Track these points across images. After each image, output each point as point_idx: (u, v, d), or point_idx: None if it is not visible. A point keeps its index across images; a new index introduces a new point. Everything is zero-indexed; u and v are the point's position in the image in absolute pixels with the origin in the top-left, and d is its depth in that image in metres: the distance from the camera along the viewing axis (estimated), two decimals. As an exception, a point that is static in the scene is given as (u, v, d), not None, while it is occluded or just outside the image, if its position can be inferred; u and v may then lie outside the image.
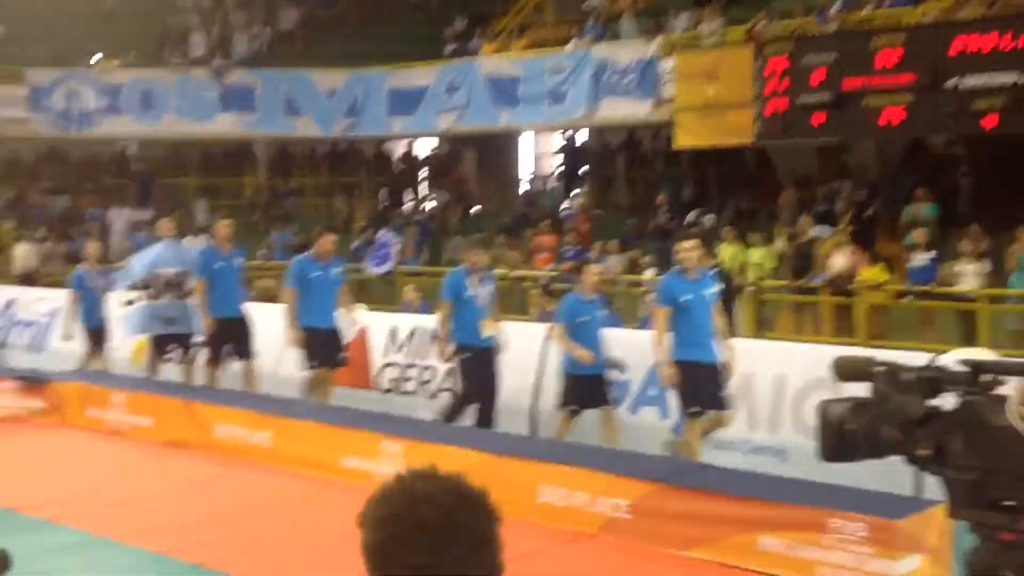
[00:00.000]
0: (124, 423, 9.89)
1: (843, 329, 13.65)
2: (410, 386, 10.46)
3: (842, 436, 2.34)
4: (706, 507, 6.52)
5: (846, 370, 2.43)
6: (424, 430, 8.48)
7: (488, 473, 7.38)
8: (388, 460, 8.01)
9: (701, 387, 8.05)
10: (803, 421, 8.20)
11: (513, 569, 6.17)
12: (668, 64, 17.23)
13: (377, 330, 10.89)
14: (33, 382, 10.65)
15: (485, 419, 9.01)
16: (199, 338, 10.85)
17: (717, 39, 17.07)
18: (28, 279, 17.91)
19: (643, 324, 11.00)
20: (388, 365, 10.68)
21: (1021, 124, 13.26)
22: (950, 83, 13.64)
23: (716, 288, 8.36)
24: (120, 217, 21.53)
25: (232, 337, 10.58)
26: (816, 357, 8.51)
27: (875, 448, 2.33)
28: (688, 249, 8.25)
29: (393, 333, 10.87)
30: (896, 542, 5.76)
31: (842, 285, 13.86)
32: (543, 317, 11.52)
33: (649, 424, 8.89)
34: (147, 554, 6.69)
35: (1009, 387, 2.23)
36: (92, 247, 12.41)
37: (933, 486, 6.27)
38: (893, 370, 2.33)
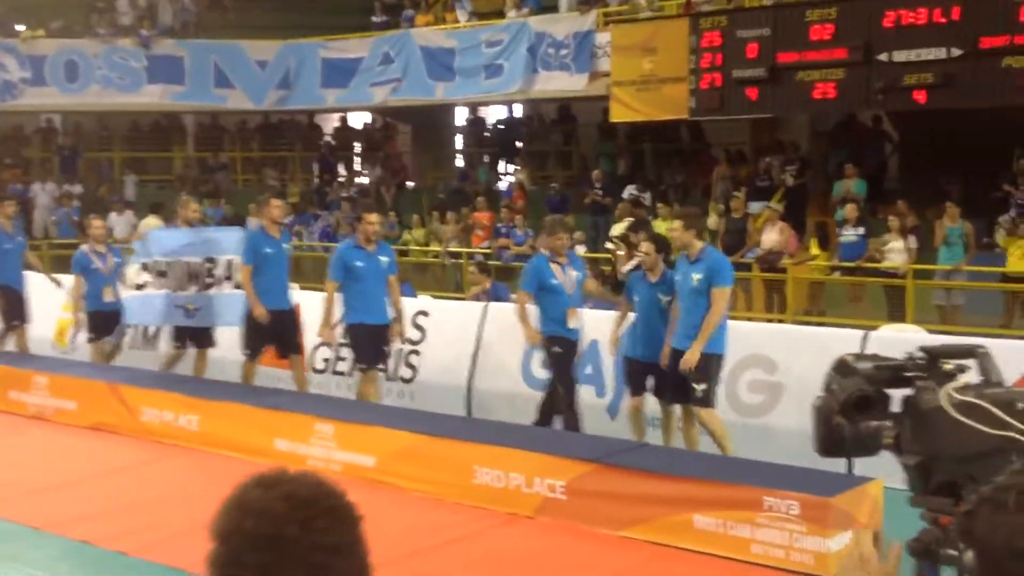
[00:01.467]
0: (47, 407, 9.63)
1: (774, 305, 13.76)
2: (343, 366, 10.30)
3: (831, 430, 2.31)
4: (641, 487, 6.52)
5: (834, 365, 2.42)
6: (357, 412, 8.36)
7: (423, 454, 7.37)
8: (321, 442, 7.89)
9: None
10: (738, 399, 8.23)
11: (449, 552, 6.11)
12: (604, 37, 17.14)
13: (309, 309, 10.68)
14: (-49, 365, 10.32)
15: (573, 413, 8.38)
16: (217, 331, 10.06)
17: (653, 11, 17.01)
18: None
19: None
20: (322, 345, 10.49)
21: (950, 99, 13.39)
22: (882, 58, 13.72)
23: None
24: (44, 192, 20.95)
25: (277, 331, 9.40)
26: (746, 334, 8.53)
27: (861, 443, 2.29)
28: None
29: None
30: (828, 519, 5.81)
31: (773, 261, 13.95)
32: (479, 296, 11.43)
33: (586, 403, 8.84)
34: (68, 543, 6.52)
35: (972, 373, 2.19)
36: (97, 224, 11.21)
37: (865, 464, 6.29)
38: (851, 358, 2.31)
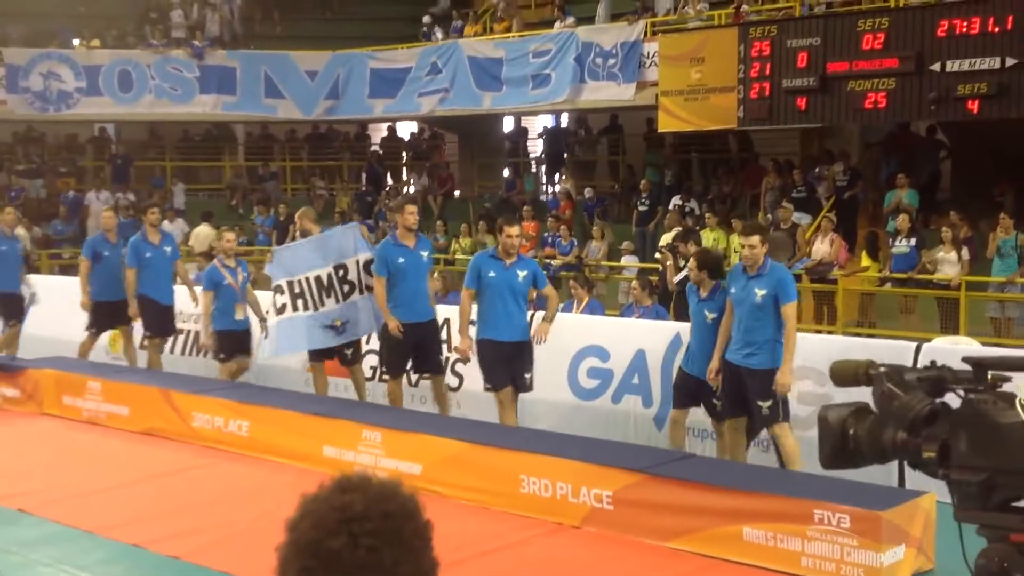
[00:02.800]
0: (100, 412, 9.77)
1: (824, 316, 13.63)
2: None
3: (844, 442, 2.26)
4: (689, 498, 6.48)
5: (843, 375, 2.35)
6: (405, 419, 8.39)
7: (469, 463, 7.38)
8: (368, 449, 7.93)
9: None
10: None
11: (495, 561, 6.09)
12: (652, 47, 17.12)
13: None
14: (8, 370, 10.49)
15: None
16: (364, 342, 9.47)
17: (702, 21, 16.96)
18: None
19: (628, 312, 10.92)
20: (368, 353, 10.53)
21: (1004, 109, 13.21)
22: (934, 67, 13.58)
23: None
24: (99, 200, 21.25)
25: (416, 345, 8.77)
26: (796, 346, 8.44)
27: (879, 452, 2.25)
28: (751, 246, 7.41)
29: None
30: (880, 533, 5.73)
31: (823, 272, 13.83)
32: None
33: (632, 412, 8.82)
34: (122, 546, 6.60)
35: (1014, 384, 2.15)
36: (228, 236, 10.29)
37: (917, 478, 6.24)
38: (897, 370, 2.26)
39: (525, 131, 23.16)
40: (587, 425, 8.68)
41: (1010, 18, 12.96)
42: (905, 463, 2.25)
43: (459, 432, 7.84)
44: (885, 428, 2.18)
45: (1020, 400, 2.03)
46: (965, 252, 13.13)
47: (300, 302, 9.15)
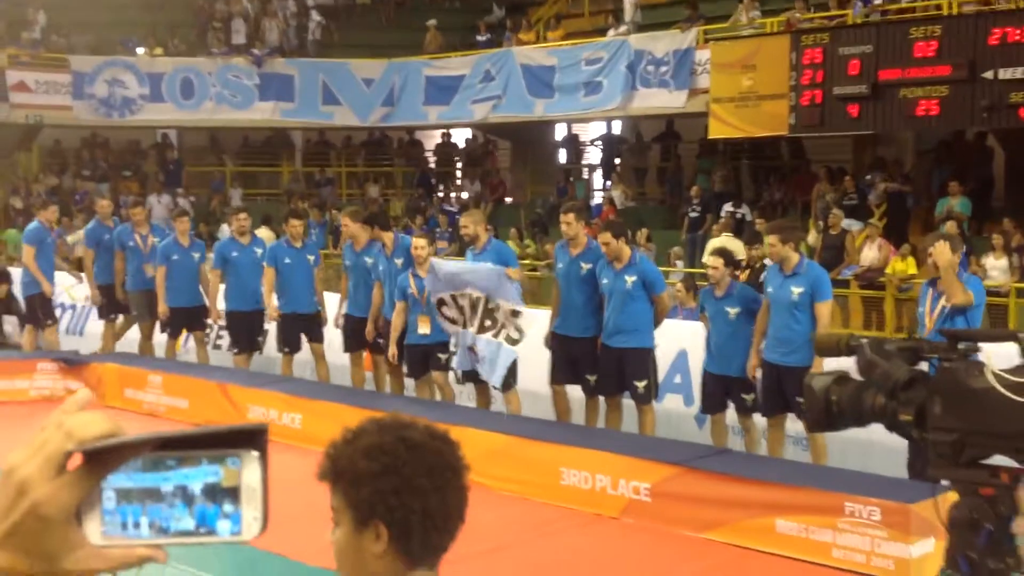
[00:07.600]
0: (160, 404, 10.12)
1: (872, 322, 13.64)
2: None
3: (827, 406, 2.45)
4: (724, 490, 6.63)
5: (826, 346, 2.54)
6: (451, 412, 8.61)
7: (512, 456, 7.59)
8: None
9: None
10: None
11: (534, 548, 6.29)
12: (704, 54, 17.23)
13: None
14: (72, 363, 10.90)
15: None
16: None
17: (754, 29, 17.04)
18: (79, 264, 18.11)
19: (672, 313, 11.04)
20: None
21: (1057, 117, 13.16)
22: (987, 75, 13.56)
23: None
24: (160, 204, 21.79)
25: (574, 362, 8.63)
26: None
27: (858, 416, 2.44)
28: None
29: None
30: (910, 526, 5.85)
31: (872, 278, 13.84)
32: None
33: (673, 411, 8.97)
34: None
35: (983, 354, 2.33)
36: (419, 243, 9.29)
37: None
38: (878, 341, 2.45)
39: (576, 137, 23.34)
40: (630, 422, 8.83)
41: (1063, 25, 12.92)
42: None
43: (503, 426, 8.05)
44: (865, 393, 2.37)
45: (988, 368, 2.21)
46: (1016, 259, 13.08)
47: (452, 313, 8.79)
